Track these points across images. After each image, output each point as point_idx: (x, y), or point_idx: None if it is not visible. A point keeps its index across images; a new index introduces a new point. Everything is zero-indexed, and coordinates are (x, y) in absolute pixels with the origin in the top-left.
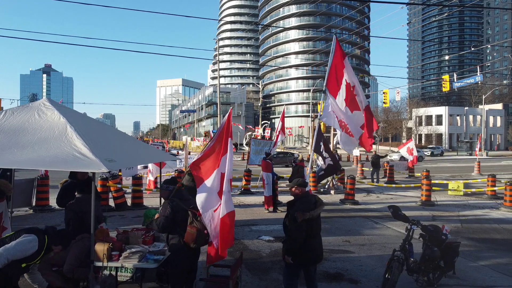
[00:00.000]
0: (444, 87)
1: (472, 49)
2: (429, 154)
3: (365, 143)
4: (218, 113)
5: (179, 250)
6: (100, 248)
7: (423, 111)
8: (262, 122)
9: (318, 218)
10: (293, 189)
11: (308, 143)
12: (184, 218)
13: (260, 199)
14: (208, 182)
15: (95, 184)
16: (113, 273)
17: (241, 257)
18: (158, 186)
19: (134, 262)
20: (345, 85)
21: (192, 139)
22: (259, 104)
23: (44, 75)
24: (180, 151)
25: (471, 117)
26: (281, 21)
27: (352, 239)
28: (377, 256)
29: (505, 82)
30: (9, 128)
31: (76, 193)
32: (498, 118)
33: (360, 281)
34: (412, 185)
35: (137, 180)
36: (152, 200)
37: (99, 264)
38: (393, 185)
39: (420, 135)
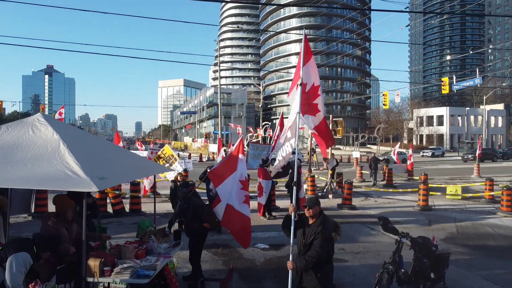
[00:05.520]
0: (443, 89)
1: (471, 52)
2: (430, 155)
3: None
4: (219, 114)
5: (198, 231)
6: (92, 263)
7: (424, 112)
8: (263, 124)
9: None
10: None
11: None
12: (200, 211)
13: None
14: (224, 184)
15: (86, 202)
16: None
17: (231, 272)
18: (158, 191)
19: (126, 278)
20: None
21: (193, 140)
22: (260, 105)
23: (46, 76)
24: (180, 153)
25: (472, 117)
26: (282, 22)
27: (347, 246)
28: (371, 264)
29: (504, 84)
30: (3, 144)
31: None
32: (500, 118)
33: None
34: (409, 189)
35: (135, 186)
36: (150, 206)
37: (91, 279)
38: (390, 190)
39: (421, 136)
